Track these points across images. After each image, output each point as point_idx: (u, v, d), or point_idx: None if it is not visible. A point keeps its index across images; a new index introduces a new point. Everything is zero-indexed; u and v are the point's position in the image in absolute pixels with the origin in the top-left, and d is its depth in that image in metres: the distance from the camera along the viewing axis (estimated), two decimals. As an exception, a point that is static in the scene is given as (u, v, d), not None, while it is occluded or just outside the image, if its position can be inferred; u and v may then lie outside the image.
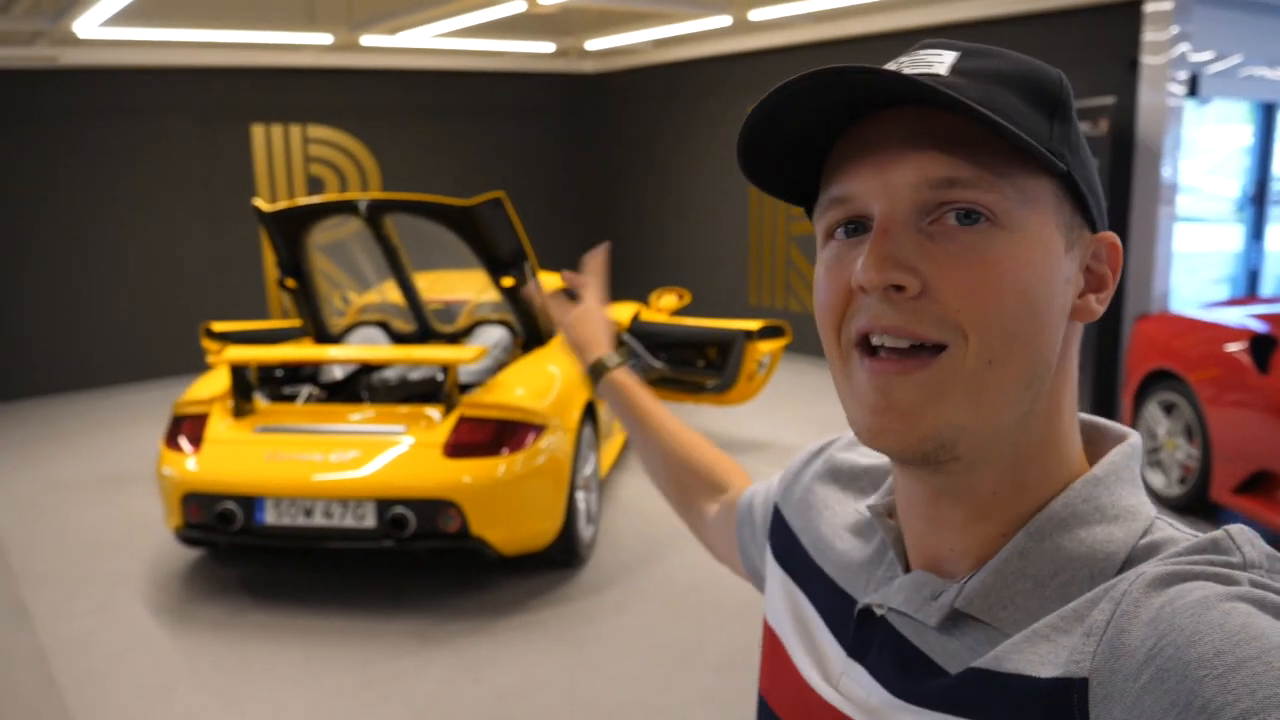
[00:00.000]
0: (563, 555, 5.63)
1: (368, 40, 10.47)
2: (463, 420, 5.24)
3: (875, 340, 0.82)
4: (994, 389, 0.80)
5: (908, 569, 0.93)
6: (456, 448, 5.14)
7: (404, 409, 5.50)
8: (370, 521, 5.07)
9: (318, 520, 5.10)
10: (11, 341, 10.19)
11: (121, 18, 8.45)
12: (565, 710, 4.37)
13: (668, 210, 12.99)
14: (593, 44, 12.05)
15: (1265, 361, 5.55)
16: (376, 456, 5.14)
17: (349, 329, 6.67)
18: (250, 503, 5.12)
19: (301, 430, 5.39)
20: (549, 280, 6.94)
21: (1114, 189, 7.47)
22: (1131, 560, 0.79)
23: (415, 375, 6.21)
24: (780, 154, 0.88)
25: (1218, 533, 0.76)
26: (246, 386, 5.57)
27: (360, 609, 5.30)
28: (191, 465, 5.24)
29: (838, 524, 1.07)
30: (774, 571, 1.14)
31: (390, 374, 6.26)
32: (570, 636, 5.00)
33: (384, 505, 5.05)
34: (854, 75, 0.77)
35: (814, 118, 0.84)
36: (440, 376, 5.99)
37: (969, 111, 0.75)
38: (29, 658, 4.85)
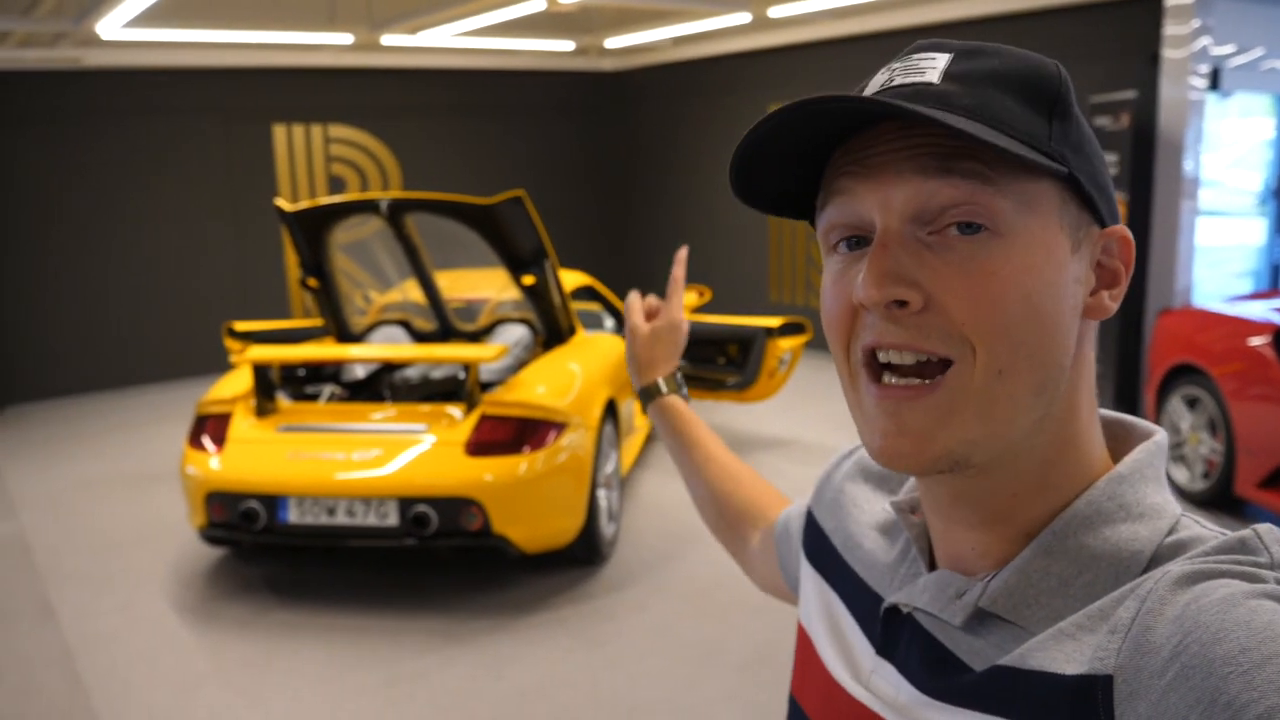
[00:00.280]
0: (584, 553, 5.63)
1: (388, 40, 10.49)
2: (484, 419, 5.25)
3: (882, 356, 0.81)
4: (1004, 400, 0.79)
5: (933, 565, 0.93)
6: (478, 446, 5.15)
7: (425, 408, 5.51)
8: (392, 520, 5.08)
9: (340, 519, 5.11)
10: (35, 342, 10.26)
11: (144, 19, 8.50)
12: (588, 708, 4.38)
13: (688, 207, 12.98)
14: (612, 42, 12.05)
15: (1289, 356, 5.52)
16: (398, 455, 5.15)
17: (371, 328, 6.68)
18: (273, 501, 5.14)
19: (324, 429, 5.41)
20: (569, 278, 6.95)
21: (1136, 183, 7.44)
22: (1157, 559, 0.78)
23: (437, 374, 6.22)
24: (775, 173, 0.88)
25: (1245, 532, 0.75)
26: (269, 386, 5.59)
27: (383, 607, 5.32)
28: (215, 464, 5.26)
29: (866, 521, 1.06)
30: (807, 573, 1.13)
31: (412, 373, 6.27)
32: (592, 634, 5.00)
33: (406, 504, 5.06)
34: (839, 104, 0.77)
35: (806, 138, 0.83)
36: (462, 375, 6.01)
37: (957, 134, 0.74)
38: (55, 656, 4.88)
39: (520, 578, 5.60)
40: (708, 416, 8.80)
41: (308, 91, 11.47)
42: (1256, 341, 5.74)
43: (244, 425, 5.43)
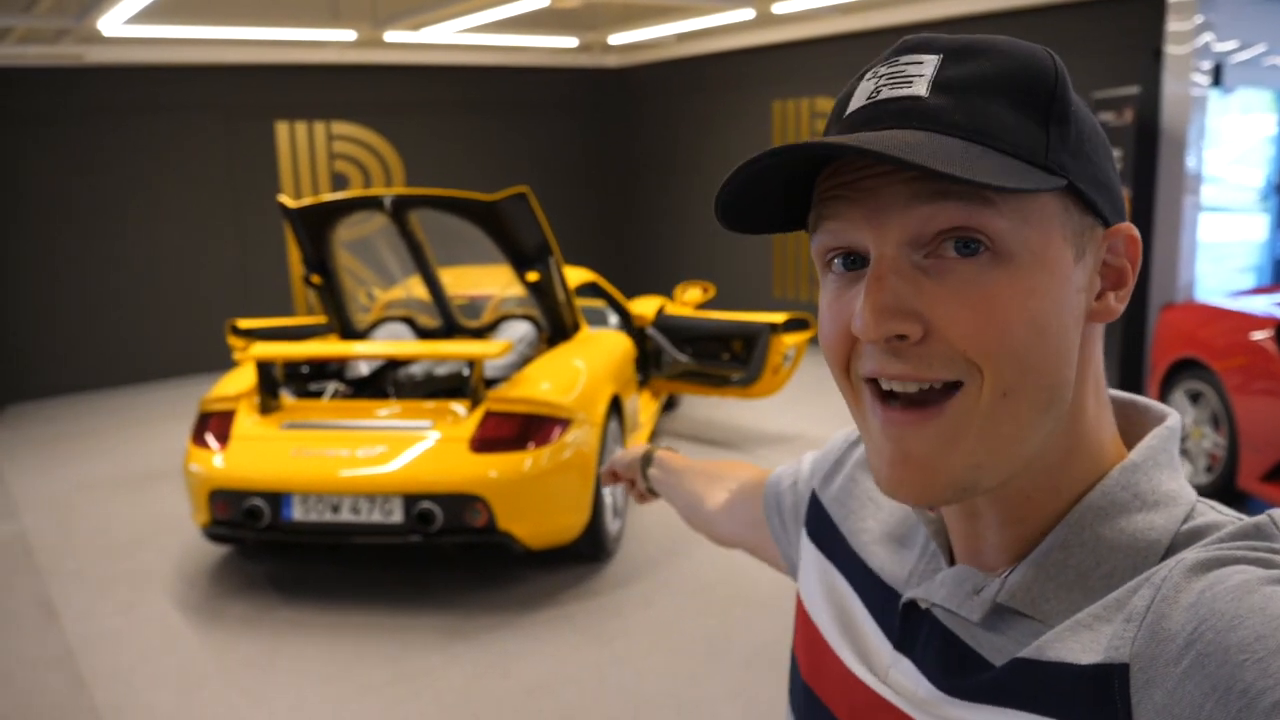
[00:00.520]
0: (589, 549, 5.63)
1: (391, 36, 10.48)
2: (489, 415, 5.25)
3: (885, 385, 0.80)
4: (1010, 421, 0.78)
5: (952, 560, 0.92)
6: (483, 442, 5.15)
7: (430, 404, 5.51)
8: (397, 517, 5.08)
9: (345, 516, 5.12)
10: (36, 340, 10.26)
11: (146, 15, 8.49)
12: (594, 704, 4.38)
13: (692, 203, 12.97)
14: (616, 38, 12.03)
15: (1293, 350, 5.52)
16: (403, 452, 5.15)
17: (374, 325, 6.68)
18: (277, 499, 5.14)
19: (328, 426, 5.41)
20: (573, 275, 6.94)
21: (1138, 179, 7.43)
22: (1174, 547, 0.78)
23: (441, 370, 6.22)
24: (763, 205, 0.85)
25: (1260, 518, 0.75)
26: (273, 383, 5.59)
27: (387, 604, 5.32)
28: (218, 462, 5.26)
29: (882, 518, 1.06)
30: (811, 557, 1.13)
31: (416, 369, 6.28)
32: (598, 631, 5.00)
33: (411, 500, 5.06)
34: (823, 150, 0.76)
35: (789, 173, 0.82)
36: (466, 371, 6.00)
37: (950, 179, 0.71)
38: (57, 656, 4.88)
39: (525, 574, 5.60)
40: (711, 413, 8.82)
41: (311, 88, 11.47)
42: (1259, 336, 5.74)
43: (248, 423, 5.43)
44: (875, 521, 1.06)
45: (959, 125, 0.76)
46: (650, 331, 7.54)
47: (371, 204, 5.91)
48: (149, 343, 10.83)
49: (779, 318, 7.40)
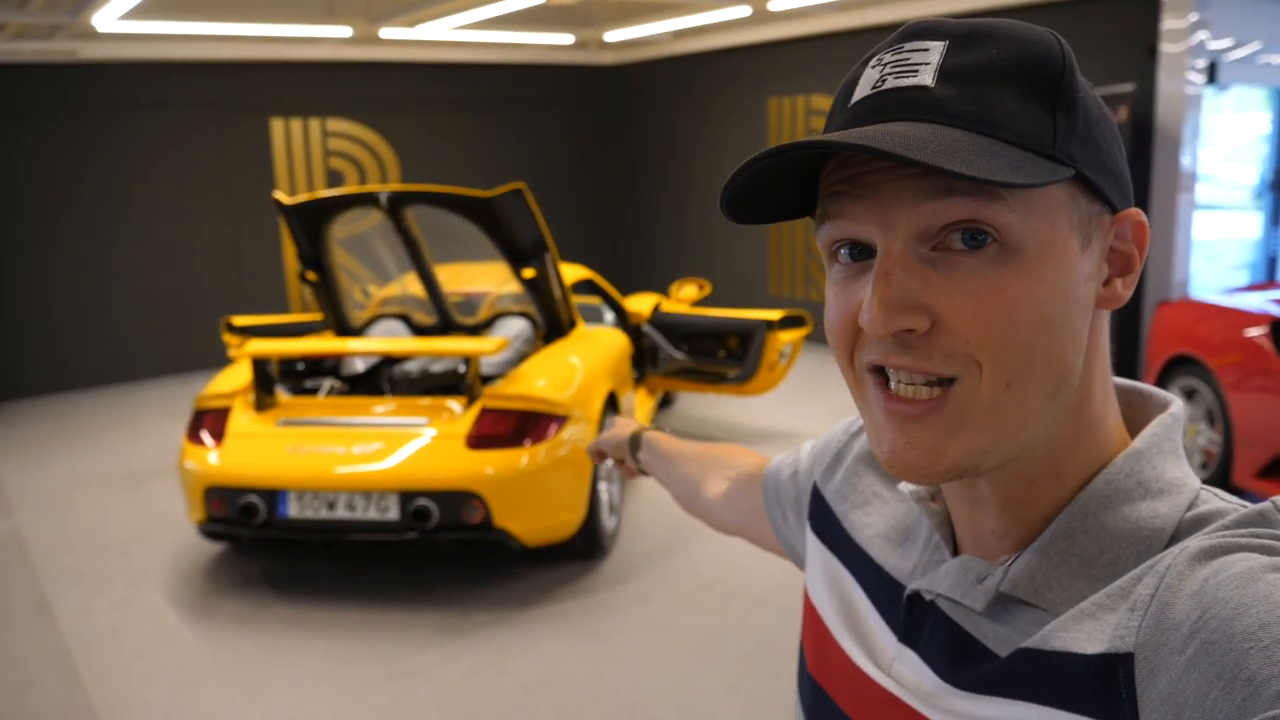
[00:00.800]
0: (586, 546, 5.63)
1: (386, 33, 10.47)
2: (485, 412, 5.25)
3: (893, 386, 0.80)
4: (1014, 409, 0.78)
5: (956, 552, 0.92)
6: (479, 439, 5.14)
7: (426, 401, 5.50)
8: (393, 514, 5.08)
9: (341, 513, 5.11)
10: (30, 337, 10.24)
11: (140, 11, 8.49)
12: (591, 701, 4.38)
13: (687, 200, 12.97)
14: (612, 35, 12.02)
15: (1288, 347, 5.53)
16: (399, 449, 5.15)
17: (370, 322, 6.67)
18: (273, 496, 5.14)
19: (324, 423, 5.40)
20: (569, 272, 6.94)
21: (1134, 176, 7.44)
22: (1178, 535, 0.78)
23: (437, 367, 6.22)
24: (767, 198, 0.85)
25: (1264, 505, 0.75)
26: (268, 380, 5.58)
27: (384, 601, 5.31)
28: (214, 459, 5.25)
29: (885, 509, 1.06)
30: (816, 551, 1.13)
31: (412, 366, 6.27)
32: (595, 627, 5.00)
33: (407, 497, 5.05)
34: (830, 147, 0.75)
35: (794, 168, 0.81)
36: (462, 368, 6.00)
37: (959, 177, 0.70)
38: (53, 654, 4.88)
39: (522, 571, 5.60)
40: (707, 410, 8.82)
41: (306, 85, 11.45)
42: (1254, 333, 5.75)
43: (243, 419, 5.43)
44: (879, 515, 1.06)
45: (965, 116, 0.76)
46: (646, 329, 7.53)
47: (367, 200, 5.90)
48: (144, 340, 10.81)
49: (775, 315, 7.40)
